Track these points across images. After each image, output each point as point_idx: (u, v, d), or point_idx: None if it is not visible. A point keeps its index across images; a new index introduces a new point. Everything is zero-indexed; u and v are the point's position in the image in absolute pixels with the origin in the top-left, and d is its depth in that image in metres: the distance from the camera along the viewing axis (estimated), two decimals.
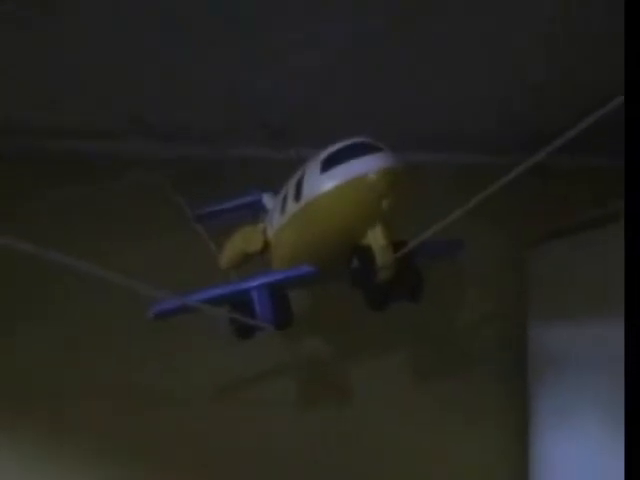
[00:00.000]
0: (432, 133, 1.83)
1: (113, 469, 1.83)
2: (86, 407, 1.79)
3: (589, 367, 1.58)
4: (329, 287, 1.47)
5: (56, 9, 1.19)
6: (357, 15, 1.23)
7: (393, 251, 1.00)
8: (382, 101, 1.62)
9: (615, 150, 1.66)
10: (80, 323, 1.82)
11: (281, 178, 1.20)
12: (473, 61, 1.46)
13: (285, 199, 1.16)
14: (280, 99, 1.60)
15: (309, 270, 1.16)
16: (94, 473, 1.82)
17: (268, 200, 1.41)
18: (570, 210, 1.69)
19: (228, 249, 1.41)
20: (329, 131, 1.05)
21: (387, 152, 0.97)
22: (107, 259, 0.89)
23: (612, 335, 1.46)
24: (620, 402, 1.42)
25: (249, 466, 1.84)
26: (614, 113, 0.59)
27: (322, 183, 0.99)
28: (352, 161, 0.97)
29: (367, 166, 0.95)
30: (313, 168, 1.03)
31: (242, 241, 1.36)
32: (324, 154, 1.02)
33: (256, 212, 1.42)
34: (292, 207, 1.11)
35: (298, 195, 1.08)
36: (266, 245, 1.28)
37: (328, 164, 1.00)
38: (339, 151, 1.00)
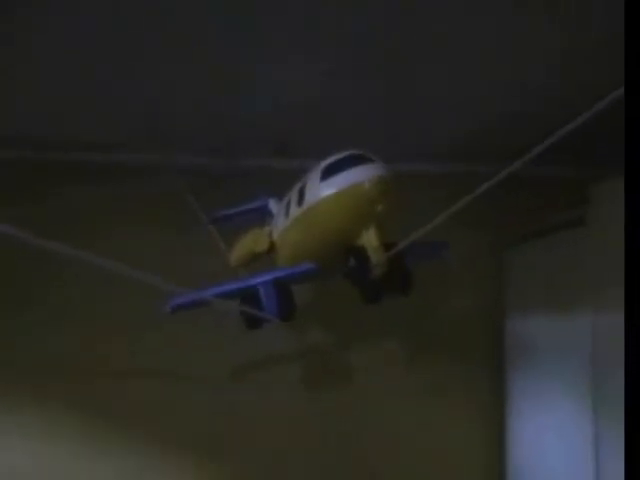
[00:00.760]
0: (420, 145, 1.83)
1: (133, 443, 1.83)
2: (104, 388, 1.79)
3: (559, 354, 1.58)
4: (328, 283, 1.47)
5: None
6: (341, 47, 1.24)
7: (385, 251, 1.00)
8: (374, 118, 1.62)
9: (580, 162, 1.67)
10: (102, 314, 1.83)
11: (285, 186, 1.21)
12: (458, 90, 1.46)
13: (289, 204, 1.16)
14: (284, 116, 1.60)
15: (310, 267, 1.16)
16: (115, 448, 1.83)
17: (274, 205, 1.41)
18: (541, 215, 1.69)
19: (238, 249, 1.41)
20: (327, 144, 1.06)
21: (379, 163, 0.98)
22: (131, 255, 0.89)
23: (578, 326, 1.47)
24: (584, 384, 1.42)
25: (257, 440, 1.84)
26: (582, 127, 0.59)
27: (322, 190, 1.00)
28: (348, 171, 0.97)
29: (361, 175, 0.96)
30: (314, 177, 1.04)
31: (250, 242, 1.36)
32: (323, 164, 1.03)
33: (263, 216, 1.42)
34: (295, 211, 1.12)
35: (301, 201, 1.08)
36: (272, 245, 1.29)
37: (327, 173, 1.01)
38: (337, 162, 1.01)
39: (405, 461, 1.89)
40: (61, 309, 1.83)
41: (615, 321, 1.35)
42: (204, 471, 1.86)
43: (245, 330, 1.31)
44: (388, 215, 0.98)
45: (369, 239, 0.98)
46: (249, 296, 1.21)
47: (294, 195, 1.12)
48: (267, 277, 1.19)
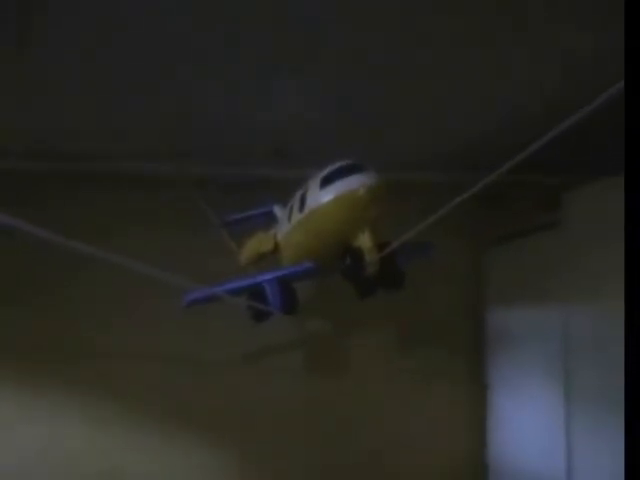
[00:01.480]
0: (410, 156, 1.83)
1: (150, 424, 1.83)
2: (121, 371, 1.80)
3: (534, 344, 1.58)
4: (327, 280, 1.47)
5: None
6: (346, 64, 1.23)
7: (378, 251, 1.01)
8: (368, 133, 1.62)
9: (552, 172, 1.66)
10: (123, 309, 1.83)
11: (288, 193, 1.21)
12: (442, 110, 1.46)
13: (291, 210, 1.17)
14: (287, 130, 1.61)
15: (310, 266, 1.16)
16: (132, 428, 1.83)
17: (278, 210, 1.41)
18: (518, 219, 1.69)
19: (246, 250, 1.42)
20: (326, 154, 1.06)
21: (372, 172, 0.99)
22: (149, 255, 0.89)
23: (551, 318, 1.47)
24: (556, 370, 1.42)
25: (261, 419, 1.85)
26: (554, 141, 0.60)
27: (321, 197, 1.01)
28: (344, 179, 0.98)
29: (356, 183, 0.97)
30: (314, 185, 1.04)
31: (257, 243, 1.36)
32: (322, 174, 1.03)
33: (268, 220, 1.42)
34: (297, 216, 1.12)
35: (302, 206, 1.09)
36: (276, 246, 1.29)
37: (325, 182, 1.01)
38: (334, 171, 1.01)
39: (394, 439, 1.89)
40: (92, 305, 1.84)
41: (584, 313, 1.36)
42: (214, 446, 1.86)
43: (252, 322, 1.31)
44: (380, 218, 0.98)
45: (364, 240, 0.99)
46: (256, 292, 1.21)
47: (296, 201, 1.13)
48: (272, 275, 1.20)
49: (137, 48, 1.15)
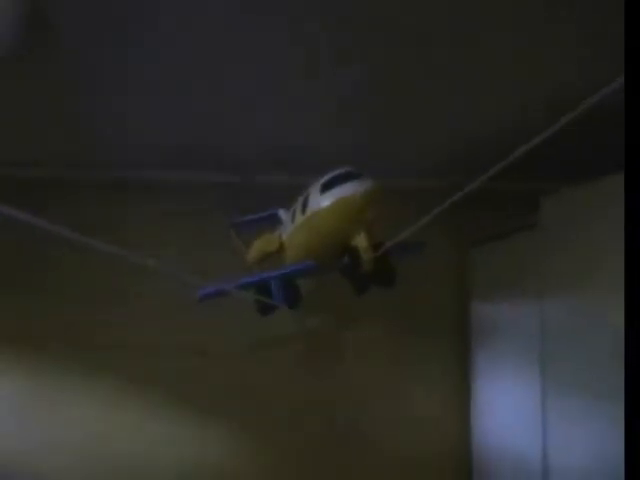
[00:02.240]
0: (403, 164, 1.83)
1: (162, 409, 1.84)
2: (137, 360, 1.80)
3: (514, 334, 1.59)
4: (326, 277, 1.47)
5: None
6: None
7: (373, 250, 1.01)
8: (366, 142, 1.62)
9: (531, 177, 1.66)
10: (141, 303, 1.83)
11: (291, 198, 1.21)
12: (430, 126, 1.47)
13: (295, 213, 1.17)
14: (290, 144, 1.61)
15: (311, 265, 1.16)
16: (145, 411, 1.84)
17: (282, 214, 1.41)
18: (500, 221, 1.69)
19: (253, 249, 1.41)
20: (326, 162, 1.07)
21: (367, 178, 0.99)
22: (165, 254, 0.90)
23: (529, 311, 1.47)
24: (534, 358, 1.42)
25: (265, 402, 1.85)
26: (533, 150, 0.59)
27: (321, 201, 1.01)
28: (342, 185, 0.98)
29: (353, 189, 0.97)
30: (314, 191, 1.04)
31: (263, 243, 1.36)
32: (322, 180, 1.03)
33: (274, 223, 1.42)
34: (300, 219, 1.12)
35: (304, 210, 1.09)
36: (281, 246, 1.28)
37: (325, 187, 1.01)
38: (333, 178, 1.01)
39: (385, 421, 1.89)
40: (120, 302, 1.85)
41: (559, 307, 1.36)
42: (223, 427, 1.87)
43: (258, 316, 1.32)
44: (376, 221, 0.99)
45: (360, 241, 0.99)
46: (262, 288, 1.21)
47: (299, 206, 1.13)
48: (277, 272, 1.20)
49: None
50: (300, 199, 1.13)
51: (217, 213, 1.65)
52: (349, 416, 1.88)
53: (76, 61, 1.14)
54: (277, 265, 1.25)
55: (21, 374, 1.82)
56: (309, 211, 1.06)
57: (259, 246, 1.37)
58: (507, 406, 1.61)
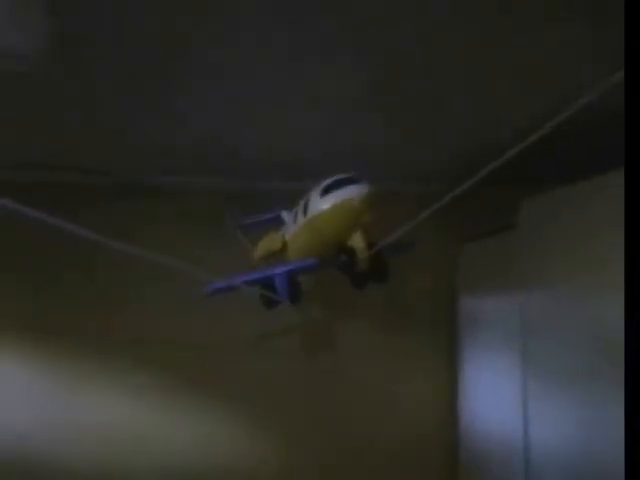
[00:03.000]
0: (398, 170, 1.84)
1: (173, 398, 1.84)
2: (153, 352, 1.80)
3: (497, 326, 1.59)
4: (326, 273, 1.47)
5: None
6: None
7: (369, 249, 1.01)
8: (364, 148, 1.62)
9: (513, 182, 1.66)
10: (156, 299, 1.83)
11: (293, 201, 1.21)
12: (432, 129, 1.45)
13: (297, 215, 1.17)
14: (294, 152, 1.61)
15: (312, 262, 1.16)
16: (158, 400, 1.83)
17: (285, 215, 1.41)
18: (485, 221, 1.69)
19: (259, 248, 1.41)
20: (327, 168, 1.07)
21: (364, 183, 0.99)
22: (179, 253, 0.90)
23: (511, 304, 1.47)
24: (516, 348, 1.43)
25: (268, 388, 1.85)
26: (514, 158, 0.59)
27: (321, 204, 1.02)
28: (341, 190, 0.99)
29: (351, 193, 0.97)
30: (315, 194, 1.05)
31: (268, 243, 1.36)
32: (322, 184, 1.04)
33: (278, 223, 1.42)
34: (301, 220, 1.12)
35: (305, 212, 1.09)
36: (284, 245, 1.28)
37: (325, 191, 1.02)
38: (332, 183, 1.02)
39: (378, 406, 1.89)
40: (136, 298, 1.86)
41: (538, 301, 1.36)
42: (230, 413, 1.87)
43: (263, 309, 1.32)
44: (371, 222, 0.99)
45: (356, 241, 0.99)
46: (267, 284, 1.21)
47: (300, 208, 1.13)
48: (280, 269, 1.20)
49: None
50: (302, 202, 1.13)
51: (225, 215, 1.65)
52: (345, 400, 1.87)
53: (106, 77, 1.14)
54: (281, 263, 1.25)
55: (41, 364, 1.81)
56: (310, 213, 1.06)
57: (264, 245, 1.38)
58: (491, 390, 1.61)
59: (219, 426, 1.85)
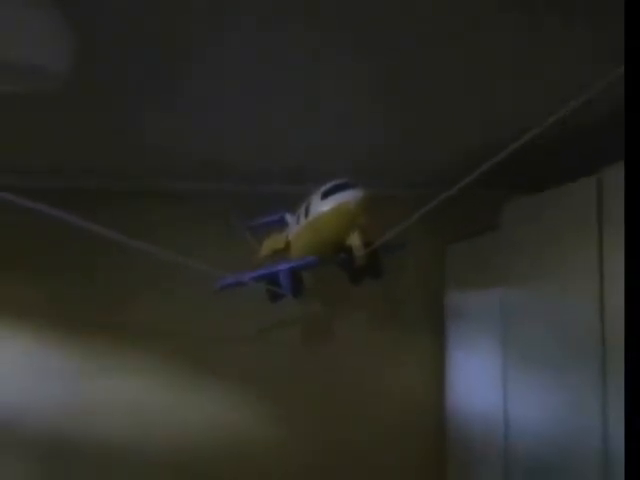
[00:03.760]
0: (390, 175, 1.84)
1: (181, 388, 1.85)
2: (166, 344, 1.82)
3: (481, 319, 1.60)
4: (325, 270, 1.47)
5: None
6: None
7: (365, 248, 1.02)
8: (362, 155, 1.62)
9: (496, 185, 1.66)
10: (169, 293, 1.84)
11: (296, 204, 1.22)
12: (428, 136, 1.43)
13: (299, 216, 1.18)
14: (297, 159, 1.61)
15: (313, 259, 1.17)
16: (168, 390, 1.84)
17: (289, 217, 1.41)
18: (471, 222, 1.69)
19: (264, 247, 1.42)
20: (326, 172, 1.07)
21: (360, 187, 1.00)
22: (191, 252, 0.91)
23: (493, 299, 1.48)
24: (496, 339, 1.44)
25: (270, 376, 1.86)
26: (497, 164, 0.60)
27: (321, 207, 1.03)
28: (339, 193, 1.00)
29: (348, 197, 0.98)
30: (316, 198, 1.06)
31: (273, 242, 1.36)
32: (322, 189, 1.05)
33: (282, 224, 1.42)
34: (303, 221, 1.14)
35: (307, 214, 1.10)
36: (288, 244, 1.29)
37: (325, 195, 1.03)
38: (331, 187, 1.03)
39: (372, 392, 1.90)
40: (152, 293, 1.86)
41: (516, 295, 1.37)
42: (237, 397, 1.88)
43: (269, 303, 1.32)
44: (367, 223, 1.00)
45: (354, 240, 1.00)
46: (273, 279, 1.22)
47: (302, 210, 1.14)
48: (284, 266, 1.20)
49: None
50: (303, 205, 1.14)
51: (233, 217, 1.65)
52: (342, 384, 1.89)
53: (122, 94, 1.13)
54: (285, 260, 1.26)
55: (71, 351, 1.83)
56: (311, 215, 1.07)
57: (269, 244, 1.38)
58: (475, 375, 1.63)
59: (228, 408, 1.86)
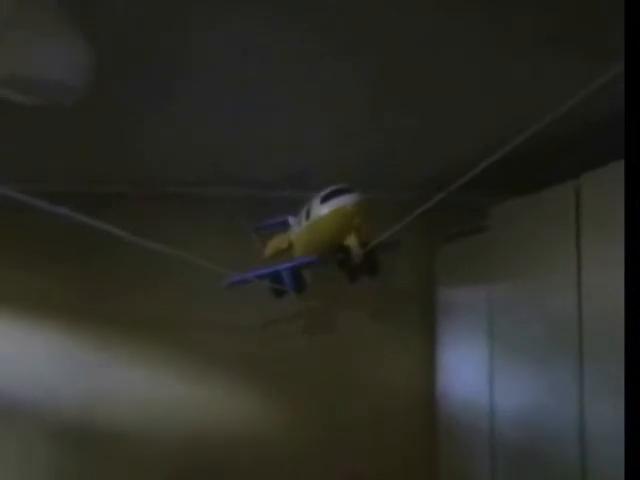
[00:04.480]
0: (386, 181, 1.84)
1: (186, 380, 1.85)
2: (175, 333, 1.82)
3: (469, 314, 1.60)
4: (325, 268, 1.47)
5: None
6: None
7: (362, 248, 1.02)
8: (359, 164, 1.62)
9: (485, 190, 1.65)
10: (178, 289, 1.83)
11: (298, 208, 1.22)
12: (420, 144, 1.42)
13: (301, 219, 1.18)
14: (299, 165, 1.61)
15: (314, 259, 1.17)
16: (175, 380, 1.84)
17: (292, 220, 1.41)
18: (461, 224, 1.69)
19: (269, 247, 1.42)
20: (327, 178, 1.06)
21: (357, 192, 1.00)
22: (201, 251, 0.91)
23: (480, 296, 1.48)
24: (483, 332, 1.44)
25: (272, 368, 1.87)
26: (485, 169, 0.59)
27: (321, 210, 1.03)
28: (338, 198, 1.00)
29: (346, 201, 0.99)
30: (316, 202, 1.06)
31: (277, 242, 1.36)
32: (322, 193, 1.05)
33: (285, 227, 1.42)
34: (304, 223, 1.14)
35: (308, 217, 1.10)
36: (290, 245, 1.29)
37: (324, 199, 1.03)
38: (330, 192, 1.03)
39: (368, 380, 1.91)
40: (166, 289, 1.86)
41: (502, 291, 1.37)
42: (244, 384, 1.88)
43: (273, 298, 1.32)
44: (364, 225, 0.99)
45: (351, 240, 1.00)
46: (276, 277, 1.22)
47: (303, 213, 1.14)
48: (287, 265, 1.21)
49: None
50: (305, 208, 1.14)
51: (240, 220, 1.65)
52: (341, 373, 1.89)
53: (126, 102, 1.11)
54: (288, 259, 1.26)
55: (84, 342, 1.84)
56: (312, 218, 1.07)
57: (274, 245, 1.38)
58: (463, 364, 1.63)
59: (234, 394, 1.87)
